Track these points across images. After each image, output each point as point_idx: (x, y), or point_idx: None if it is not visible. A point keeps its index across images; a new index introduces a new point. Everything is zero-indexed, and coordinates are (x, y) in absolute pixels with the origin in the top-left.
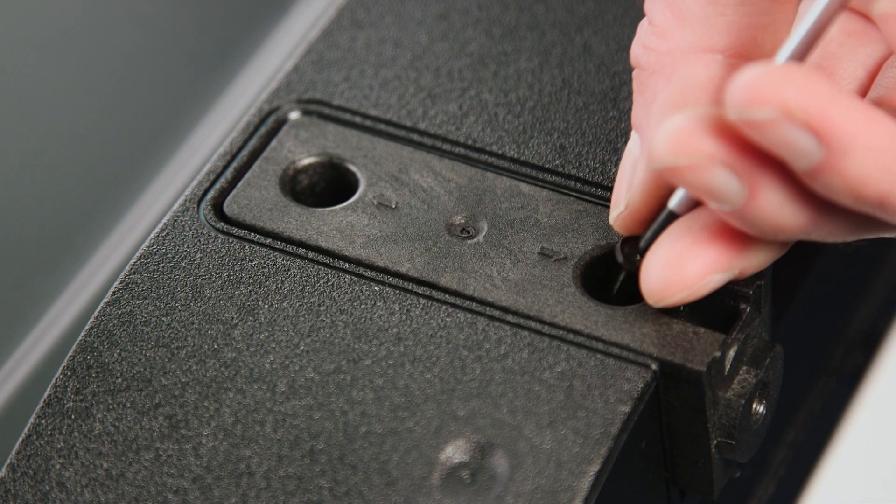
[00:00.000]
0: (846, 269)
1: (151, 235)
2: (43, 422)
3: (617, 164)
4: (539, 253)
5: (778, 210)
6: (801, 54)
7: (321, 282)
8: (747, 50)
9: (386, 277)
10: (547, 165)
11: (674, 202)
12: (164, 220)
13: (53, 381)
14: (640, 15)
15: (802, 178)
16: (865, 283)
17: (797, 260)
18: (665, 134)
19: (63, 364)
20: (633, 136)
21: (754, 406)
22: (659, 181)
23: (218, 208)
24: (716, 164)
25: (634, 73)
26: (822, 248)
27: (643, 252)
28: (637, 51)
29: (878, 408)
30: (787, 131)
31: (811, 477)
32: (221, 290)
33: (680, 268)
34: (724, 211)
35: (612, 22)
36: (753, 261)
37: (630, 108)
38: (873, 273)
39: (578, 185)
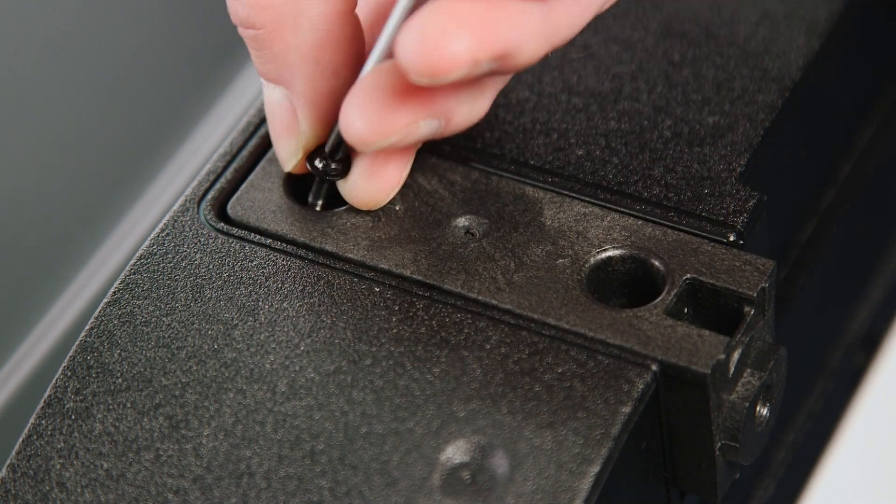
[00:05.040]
0: (846, 269)
1: (151, 235)
2: (43, 422)
3: (618, 166)
4: (543, 255)
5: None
6: None
7: (321, 282)
8: None
9: (388, 279)
10: (547, 167)
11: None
12: (164, 221)
13: (53, 381)
14: (641, 15)
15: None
16: (865, 283)
17: (796, 260)
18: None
19: (63, 364)
20: (272, 88)
21: (758, 409)
22: (324, 110)
23: (218, 208)
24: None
25: (249, 35)
26: (821, 248)
27: (334, 151)
28: (245, 13)
29: (878, 408)
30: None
31: (811, 478)
32: (221, 290)
33: (385, 116)
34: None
35: (612, 22)
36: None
37: (630, 109)
38: (873, 273)
39: (578, 186)
